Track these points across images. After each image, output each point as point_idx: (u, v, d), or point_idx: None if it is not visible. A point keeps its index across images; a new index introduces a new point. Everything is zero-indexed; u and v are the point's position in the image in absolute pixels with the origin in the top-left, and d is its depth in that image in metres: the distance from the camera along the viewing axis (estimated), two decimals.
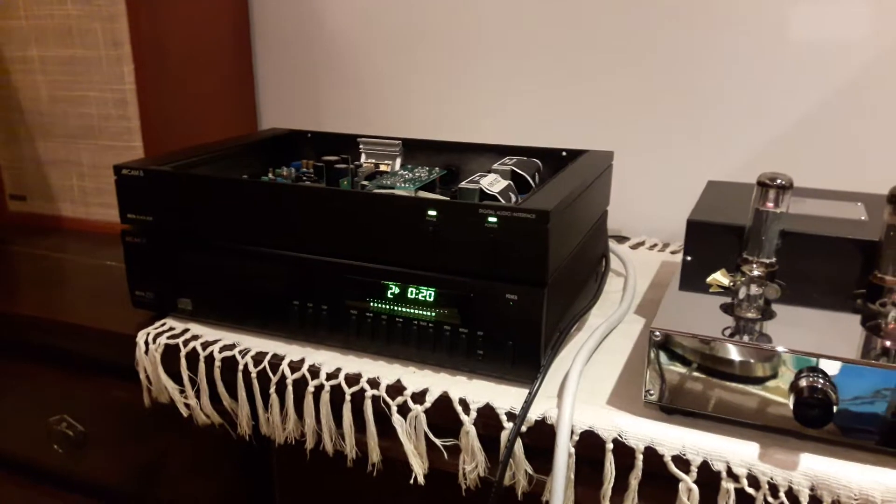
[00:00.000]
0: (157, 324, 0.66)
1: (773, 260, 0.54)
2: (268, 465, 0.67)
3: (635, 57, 0.89)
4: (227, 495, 0.70)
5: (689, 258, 0.61)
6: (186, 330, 0.65)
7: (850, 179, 0.82)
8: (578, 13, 0.90)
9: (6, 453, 0.81)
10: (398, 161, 0.76)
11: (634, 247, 0.88)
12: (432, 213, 0.53)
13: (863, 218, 0.60)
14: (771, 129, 0.85)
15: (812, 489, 0.45)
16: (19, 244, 0.91)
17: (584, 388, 0.54)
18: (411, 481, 0.55)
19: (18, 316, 0.71)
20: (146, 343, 0.64)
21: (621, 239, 0.90)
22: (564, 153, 0.72)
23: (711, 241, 0.60)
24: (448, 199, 0.58)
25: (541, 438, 0.51)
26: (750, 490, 0.46)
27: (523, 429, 0.52)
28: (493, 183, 0.61)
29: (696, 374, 0.48)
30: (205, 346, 0.62)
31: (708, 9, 0.84)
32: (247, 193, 0.60)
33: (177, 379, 0.63)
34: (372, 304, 0.58)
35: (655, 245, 0.88)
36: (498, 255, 0.52)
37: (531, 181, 0.66)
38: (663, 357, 0.49)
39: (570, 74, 0.92)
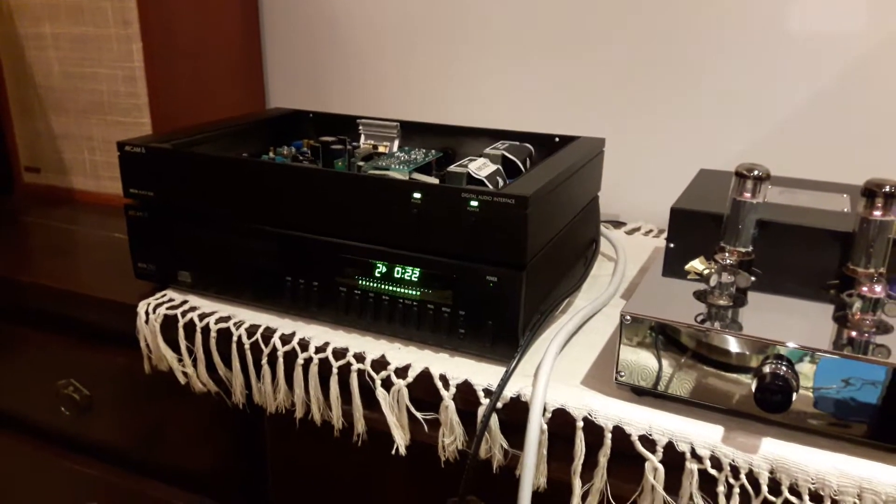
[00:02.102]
0: (158, 295, 0.68)
1: (749, 249, 0.55)
2: (261, 433, 0.70)
3: (639, 45, 0.89)
4: (221, 460, 0.73)
5: (672, 245, 0.62)
6: (185, 301, 0.67)
7: (846, 170, 0.83)
8: (583, 4, 0.91)
9: (17, 414, 0.85)
10: (396, 143, 0.78)
11: (630, 232, 0.89)
12: (417, 195, 0.55)
13: (845, 210, 0.61)
14: (772, 118, 0.86)
15: (771, 472, 0.46)
16: (33, 215, 0.94)
17: (562, 369, 0.56)
18: (393, 452, 0.57)
19: (30, 284, 0.74)
20: (146, 313, 0.66)
21: (618, 224, 0.92)
22: (557, 139, 0.73)
23: (694, 229, 0.61)
24: (435, 181, 0.60)
25: (516, 415, 0.53)
26: (713, 471, 0.48)
27: (499, 405, 0.54)
28: (481, 167, 0.62)
29: (665, 357, 0.50)
30: (202, 317, 0.65)
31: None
32: (240, 172, 0.62)
33: (175, 348, 0.66)
34: (360, 282, 0.60)
35: (651, 231, 0.89)
36: (479, 238, 0.54)
37: (521, 166, 0.68)
38: (634, 340, 0.51)
39: (573, 61, 0.93)
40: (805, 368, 0.46)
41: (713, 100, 0.88)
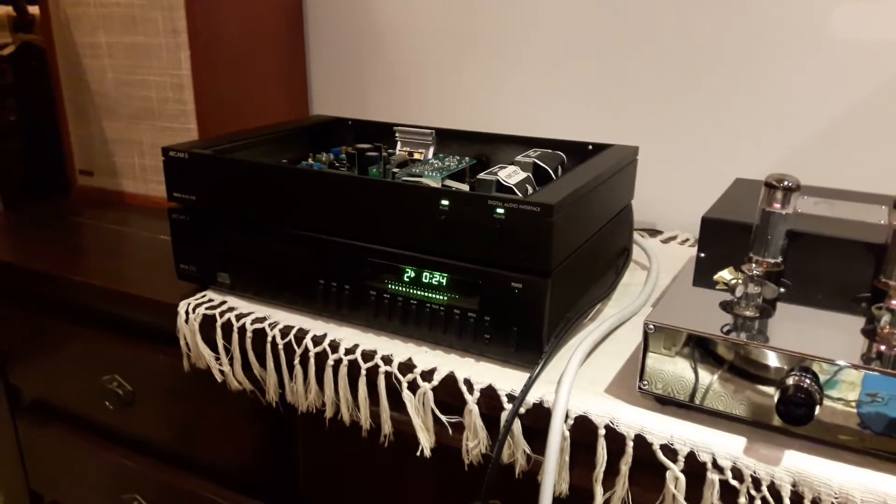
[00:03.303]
0: (199, 295, 0.71)
1: (779, 260, 0.55)
2: (293, 431, 0.71)
3: (681, 52, 0.89)
4: (255, 456, 0.75)
5: (702, 254, 0.62)
6: (224, 302, 0.70)
7: (890, 181, 0.81)
8: (620, 10, 0.90)
9: (64, 407, 0.89)
10: (431, 150, 0.79)
11: (666, 241, 0.88)
12: (444, 202, 0.56)
13: (882, 222, 0.60)
14: (814, 127, 0.84)
15: (794, 485, 0.46)
16: (86, 217, 0.98)
17: (587, 376, 0.56)
18: (418, 453, 0.58)
19: (79, 282, 0.78)
20: (187, 313, 0.69)
21: (654, 233, 0.91)
22: (591, 147, 0.73)
23: (725, 239, 0.61)
24: (462, 189, 0.61)
25: (539, 421, 0.54)
26: (734, 482, 0.48)
27: (522, 411, 0.54)
28: (510, 175, 0.63)
29: (688, 367, 0.50)
30: (238, 317, 0.67)
31: (747, 5, 0.83)
32: (275, 178, 0.64)
33: (213, 347, 0.68)
34: (390, 286, 0.61)
35: (687, 240, 0.88)
36: (505, 245, 0.55)
37: (552, 174, 0.68)
38: (658, 349, 0.51)
39: (613, 68, 0.93)
40: (830, 381, 0.46)
41: (754, 108, 0.87)
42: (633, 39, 0.91)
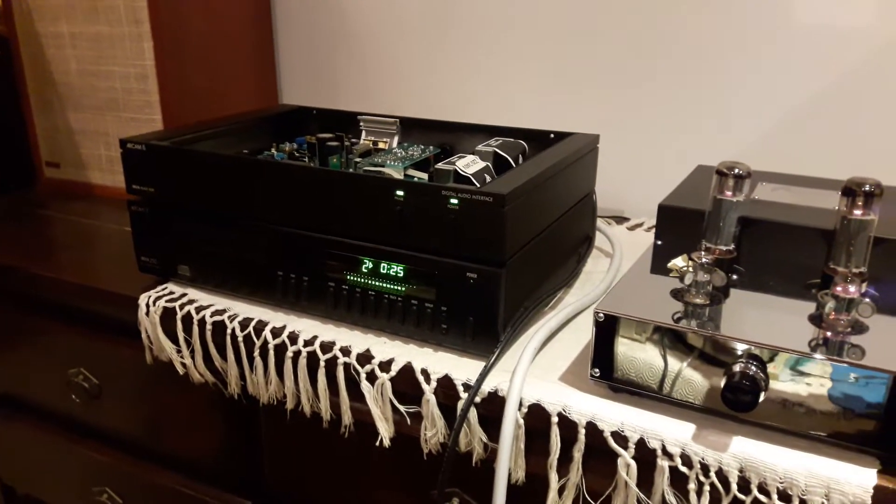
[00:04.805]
0: (160, 288, 0.71)
1: (731, 247, 0.55)
2: (256, 422, 0.71)
3: (647, 40, 0.89)
4: (220, 447, 0.75)
5: (659, 242, 0.62)
6: (184, 294, 0.69)
7: (852, 168, 0.81)
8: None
9: (31, 401, 0.89)
10: (395, 139, 0.79)
11: (632, 228, 0.89)
12: (399, 193, 0.56)
13: (835, 207, 0.60)
14: (779, 113, 0.85)
15: (741, 471, 0.46)
16: (52, 209, 0.97)
17: (543, 364, 0.57)
18: (377, 443, 0.59)
19: (43, 276, 0.77)
20: (147, 305, 0.69)
21: (621, 220, 0.91)
22: (552, 135, 0.73)
23: (682, 226, 0.61)
24: (424, 179, 0.61)
25: (494, 409, 0.54)
26: (683, 469, 0.48)
27: (478, 400, 0.54)
28: (469, 164, 0.63)
29: (640, 355, 0.50)
30: (199, 310, 0.67)
31: None
32: (231, 169, 0.63)
33: (174, 339, 0.68)
34: (348, 277, 0.61)
35: (653, 227, 0.89)
36: (459, 236, 0.55)
37: (513, 162, 0.68)
38: (608, 337, 0.51)
39: (581, 57, 0.93)
40: (776, 368, 0.46)
41: (722, 95, 0.87)
42: (602, 28, 0.91)
